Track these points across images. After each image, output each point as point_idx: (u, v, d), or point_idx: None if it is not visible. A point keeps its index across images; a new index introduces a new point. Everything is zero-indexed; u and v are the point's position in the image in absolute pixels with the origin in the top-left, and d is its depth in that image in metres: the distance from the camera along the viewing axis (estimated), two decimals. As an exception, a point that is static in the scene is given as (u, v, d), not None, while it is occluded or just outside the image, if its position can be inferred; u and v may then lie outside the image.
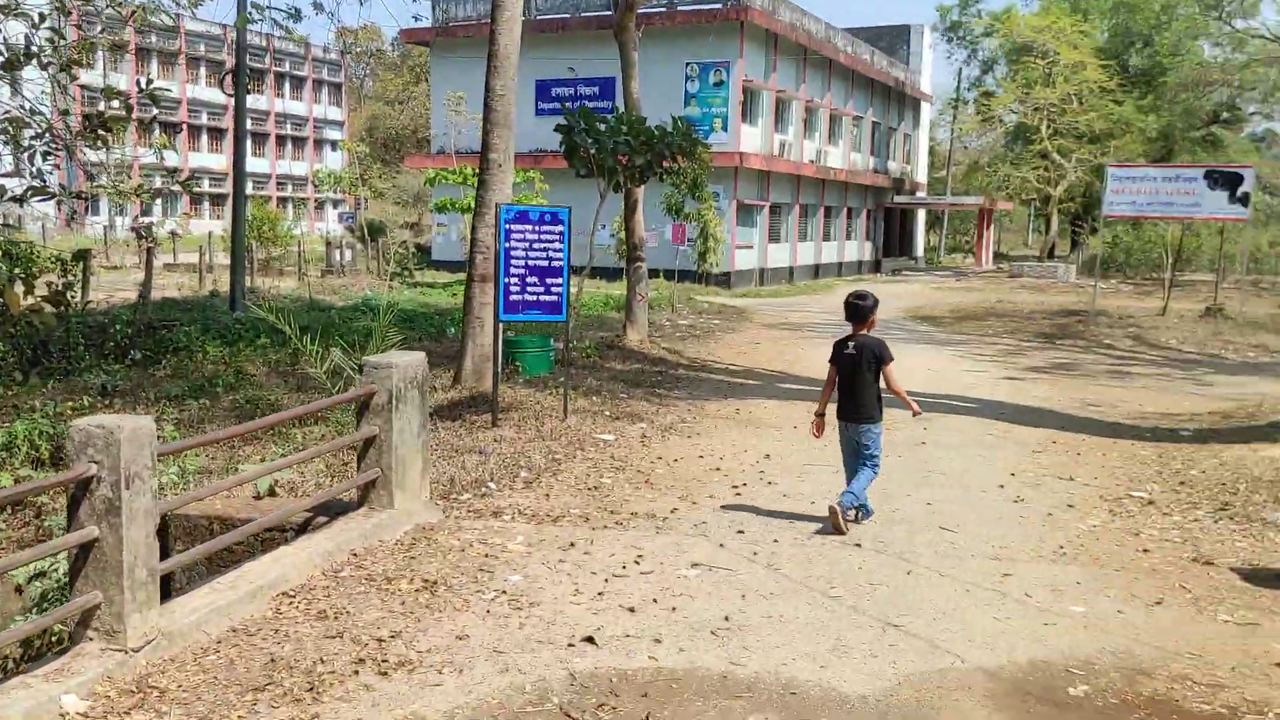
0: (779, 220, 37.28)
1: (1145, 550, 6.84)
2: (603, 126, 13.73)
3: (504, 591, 5.79)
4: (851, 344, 7.22)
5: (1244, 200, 21.85)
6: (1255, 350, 19.74)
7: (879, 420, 7.27)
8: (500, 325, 11.03)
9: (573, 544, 6.70)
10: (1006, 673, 4.83)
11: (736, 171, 32.85)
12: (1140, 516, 7.76)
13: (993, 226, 53.80)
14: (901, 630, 5.32)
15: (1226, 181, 22.02)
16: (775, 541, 6.86)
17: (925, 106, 52.72)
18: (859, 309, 7.24)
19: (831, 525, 6.96)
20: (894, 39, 50.38)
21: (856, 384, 7.18)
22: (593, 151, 13.49)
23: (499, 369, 11.04)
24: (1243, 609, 5.72)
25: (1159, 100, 41.69)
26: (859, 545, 6.81)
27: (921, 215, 53.42)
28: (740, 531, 7.08)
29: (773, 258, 36.50)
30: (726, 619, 5.44)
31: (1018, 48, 43.72)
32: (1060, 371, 16.67)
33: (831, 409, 7.51)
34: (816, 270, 40.17)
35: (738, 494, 8.18)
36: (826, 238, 41.60)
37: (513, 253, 10.29)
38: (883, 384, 7.24)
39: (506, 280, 10.29)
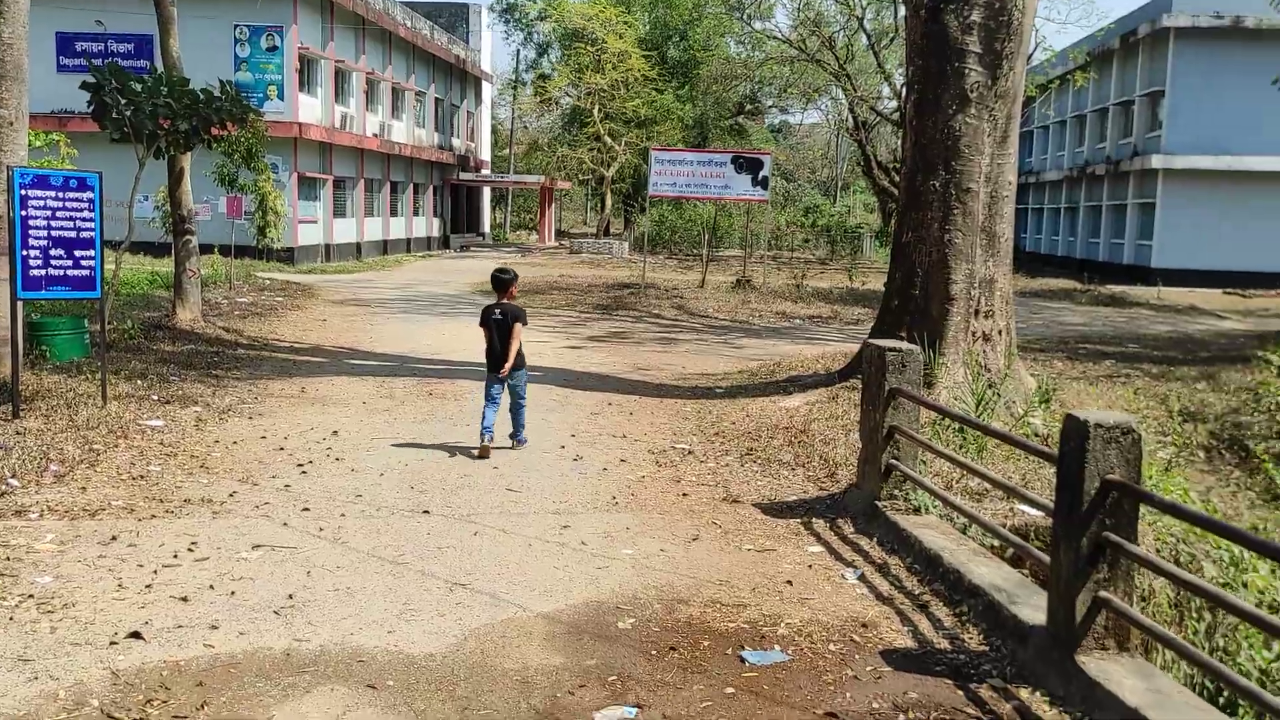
0: (344, 195, 36.29)
1: (685, 495, 7.60)
2: (139, 87, 12.55)
3: (30, 595, 5.20)
4: (498, 310, 8.71)
5: (764, 183, 24.67)
6: (776, 316, 22.41)
7: (524, 367, 8.88)
8: (20, 304, 9.77)
9: (114, 537, 6.17)
10: (564, 616, 5.18)
11: (296, 143, 31.48)
12: (682, 465, 8.59)
13: (554, 205, 56.25)
14: (468, 588, 5.50)
15: (750, 166, 24.70)
16: (342, 516, 6.77)
17: (486, 86, 53.76)
18: (503, 281, 8.86)
19: (478, 453, 8.52)
20: (454, 17, 50.78)
21: (507, 341, 8.64)
22: (128, 114, 12.29)
23: (19, 354, 9.78)
24: (762, 538, 6.56)
25: (694, 91, 45.88)
26: (427, 513, 6.92)
27: (487, 193, 54.55)
28: (306, 509, 6.90)
29: (339, 233, 35.49)
30: (290, 597, 5.30)
31: (570, 33, 45.93)
32: (616, 340, 17.87)
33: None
34: (385, 246, 39.65)
35: (303, 472, 7.95)
36: (394, 213, 41.18)
37: (32, 222, 9.15)
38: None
39: (25, 253, 9.13)
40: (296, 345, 15.38)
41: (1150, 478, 8.31)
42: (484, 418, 8.61)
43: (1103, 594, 4.33)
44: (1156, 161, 33.65)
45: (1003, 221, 11.32)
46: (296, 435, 9.25)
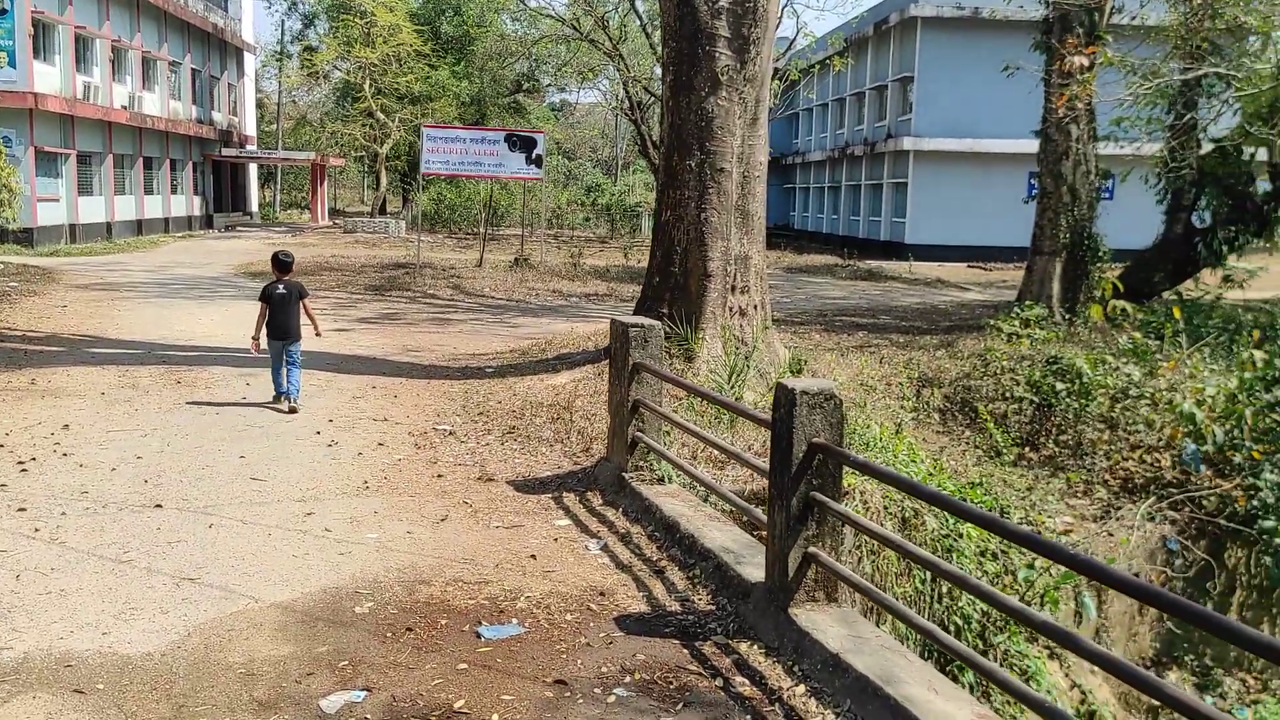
0: (90, 171, 33.70)
1: (440, 476, 7.57)
2: None
3: None
4: (282, 286, 9.81)
5: (538, 162, 24.67)
6: (552, 294, 22.54)
7: (301, 338, 9.98)
8: None
9: None
10: (300, 604, 5.07)
11: (32, 114, 28.97)
12: (442, 447, 8.54)
13: (327, 183, 54.25)
14: (197, 583, 5.29)
15: (524, 144, 24.65)
16: (63, 514, 6.35)
17: (249, 57, 51.08)
18: (285, 262, 9.98)
19: (289, 409, 9.66)
20: (212, -18, 47.87)
21: (289, 313, 9.79)
22: None
23: None
24: (512, 515, 6.63)
25: (470, 67, 45.24)
26: (160, 506, 6.59)
27: (254, 170, 51.95)
28: (21, 509, 6.43)
29: (85, 212, 32.95)
30: (-5, 604, 4.95)
31: (338, 5, 44.28)
32: (387, 321, 17.50)
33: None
34: (140, 226, 37.13)
35: (23, 470, 7.39)
36: (149, 191, 38.60)
37: None
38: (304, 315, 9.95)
39: None
40: (30, 334, 14.23)
41: (880, 439, 8.93)
42: (277, 381, 9.90)
43: (812, 549, 4.63)
44: (908, 143, 35.89)
45: (756, 200, 11.79)
46: (20, 431, 8.58)
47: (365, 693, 4.16)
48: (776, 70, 32.44)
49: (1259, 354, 11.94)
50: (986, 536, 9.00)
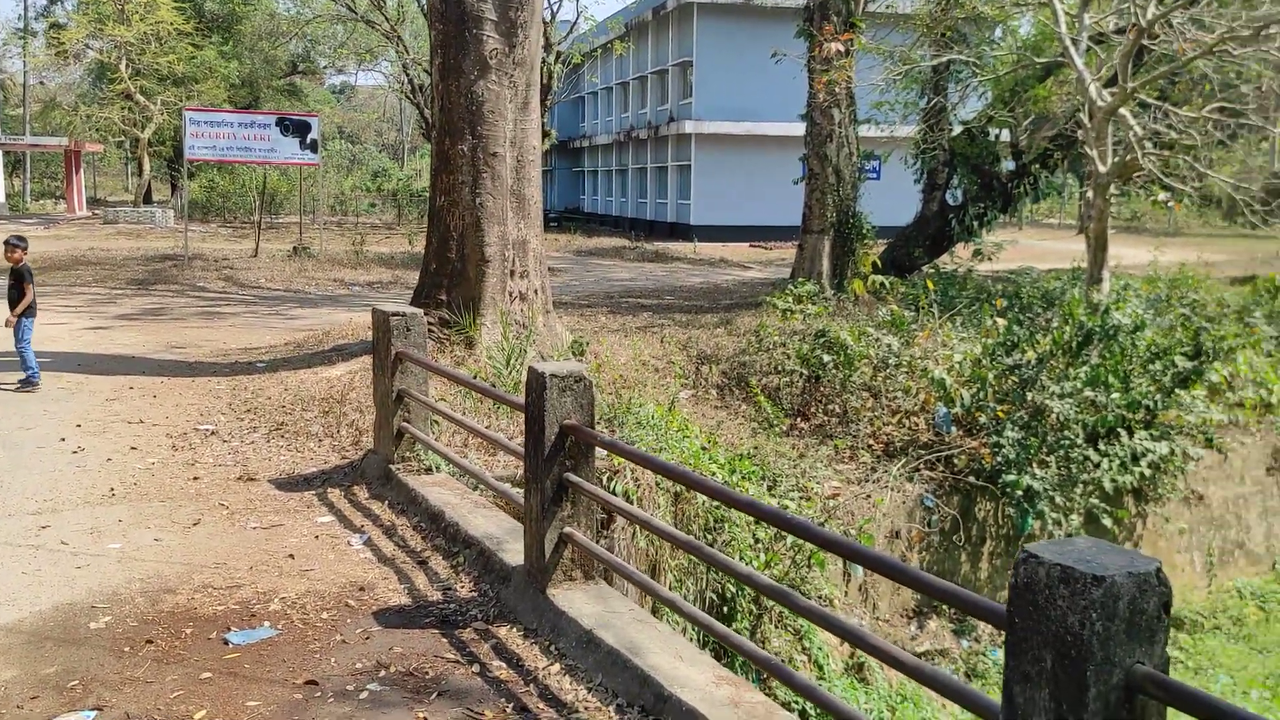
0: None
1: (196, 478, 7.21)
2: None
3: None
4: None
5: (314, 146, 23.78)
6: (334, 284, 21.82)
7: (34, 315, 10.50)
8: None
9: None
10: (27, 624, 4.73)
11: None
12: (202, 448, 8.13)
13: (84, 170, 50.45)
14: (-93, 611, 4.85)
15: (298, 129, 23.69)
16: None
17: (-11, 33, 46.85)
18: (16, 246, 10.26)
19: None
20: (-60, -49, 43.54)
21: (11, 296, 10.32)
22: None
23: None
24: (271, 514, 6.39)
25: (239, 47, 43.00)
26: None
27: (0, 157, 47.73)
28: None
29: None
30: None
31: (88, -22, 41.15)
32: (150, 317, 16.49)
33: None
34: None
35: None
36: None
37: None
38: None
39: None
40: None
41: (652, 418, 9.13)
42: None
43: (567, 529, 4.70)
44: (689, 127, 36.72)
45: (531, 185, 11.78)
46: None
47: (95, 713, 3.92)
48: (559, 54, 32.52)
49: (1001, 321, 12.94)
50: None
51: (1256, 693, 9.81)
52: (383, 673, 4.27)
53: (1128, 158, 13.27)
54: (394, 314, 6.69)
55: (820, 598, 9.64)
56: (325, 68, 48.85)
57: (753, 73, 35.75)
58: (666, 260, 29.69)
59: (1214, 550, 12.33)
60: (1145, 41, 13.26)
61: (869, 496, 10.27)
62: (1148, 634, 2.27)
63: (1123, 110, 13.26)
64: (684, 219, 37.90)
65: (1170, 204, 17.64)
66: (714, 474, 8.81)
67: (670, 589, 8.10)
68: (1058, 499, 10.88)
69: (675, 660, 3.95)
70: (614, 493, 7.08)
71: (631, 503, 7.23)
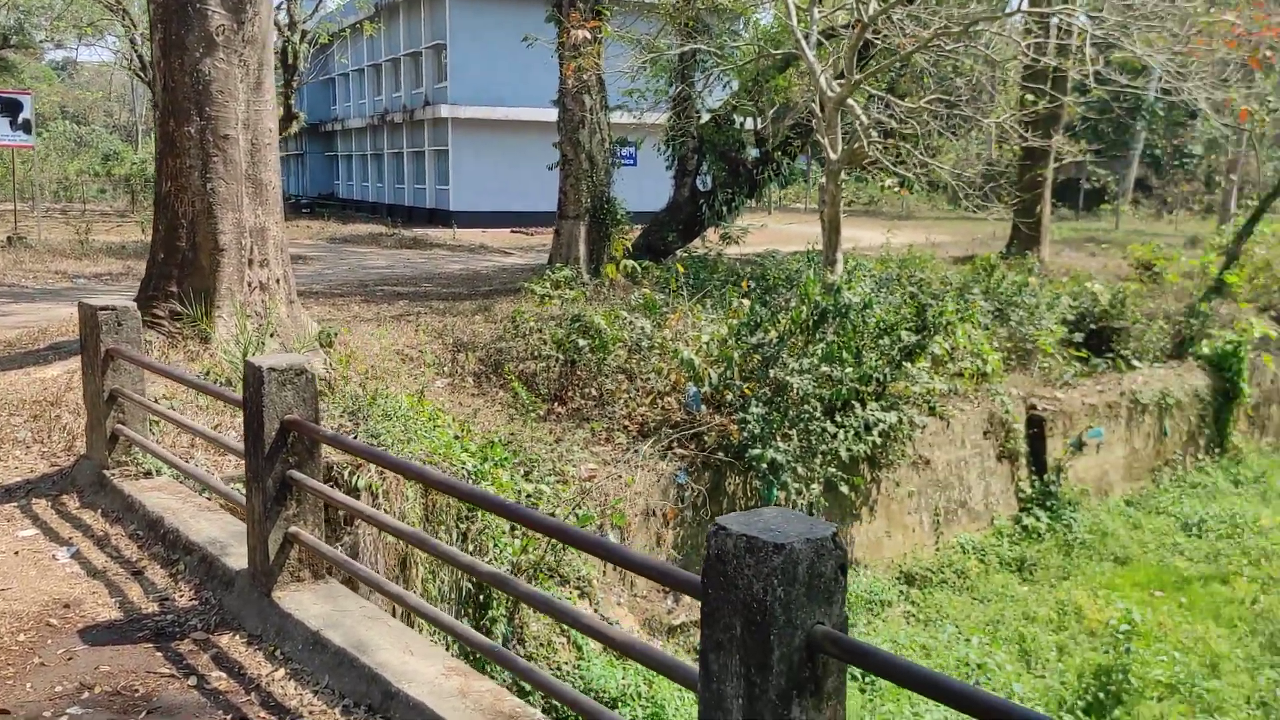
0: None
1: (-127, 497, 6.43)
2: None
3: None
4: None
5: (26, 127, 21.75)
6: (55, 276, 20.05)
7: None
8: None
9: None
10: None
11: None
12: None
13: None
14: None
15: (7, 108, 21.61)
16: None
17: None
18: None
19: None
20: None
21: None
22: None
23: None
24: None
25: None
26: None
27: None
28: None
29: None
30: None
31: None
32: None
33: None
34: None
35: None
36: None
37: None
38: None
39: None
40: None
41: (401, 409, 8.93)
42: None
43: (293, 529, 4.50)
44: (445, 111, 36.09)
45: (268, 169, 11.21)
46: None
47: None
48: (305, 33, 31.14)
49: (745, 302, 13.47)
50: (511, 486, 9.39)
51: (977, 639, 10.71)
52: (86, 694, 3.95)
53: (855, 146, 14.11)
54: (102, 308, 6.19)
55: (579, 578, 9.76)
56: (42, 41, 44.74)
57: (508, 57, 35.51)
58: (425, 247, 29.13)
59: (940, 510, 13.35)
60: (869, 36, 14.11)
61: (620, 477, 10.45)
62: (826, 596, 2.40)
63: (851, 100, 14.07)
64: (443, 205, 37.28)
65: (898, 190, 18.91)
66: (464, 463, 8.71)
67: (423, 580, 7.97)
68: (800, 470, 11.46)
69: (405, 655, 3.87)
70: (356, 487, 6.87)
71: (376, 496, 7.03)
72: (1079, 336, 16.40)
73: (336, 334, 11.90)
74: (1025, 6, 17.23)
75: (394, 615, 4.76)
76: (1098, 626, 11.09)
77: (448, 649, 5.28)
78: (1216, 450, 17.10)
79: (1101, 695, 9.91)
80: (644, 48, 16.27)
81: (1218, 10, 14.94)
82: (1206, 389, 17.00)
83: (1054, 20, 16.53)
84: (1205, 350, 17.33)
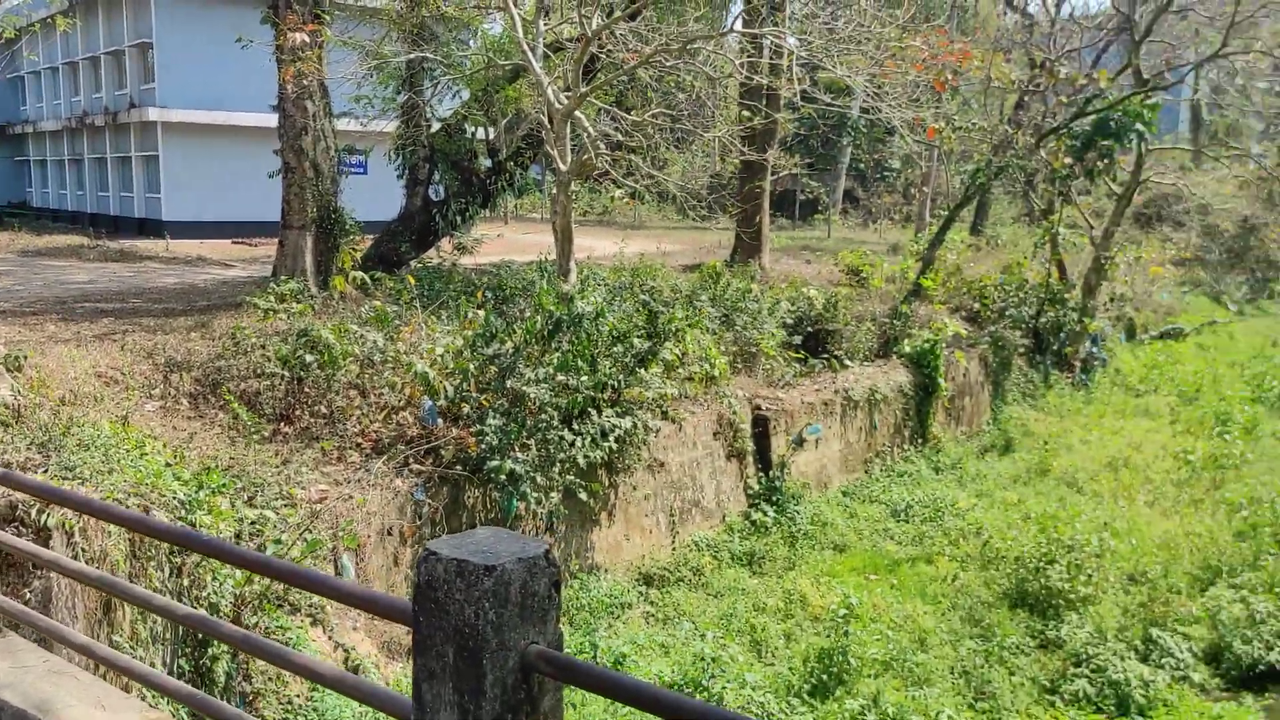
0: None
1: None
2: None
3: None
4: None
5: None
6: None
7: None
8: None
9: None
10: None
11: None
12: None
13: None
14: None
15: None
16: None
17: None
18: None
19: None
20: None
21: None
22: None
23: None
24: None
25: None
26: None
27: None
28: None
29: None
30: None
31: None
32: None
33: None
34: None
35: None
36: None
37: None
38: None
39: None
40: None
41: (101, 437, 8.23)
42: None
43: (-38, 581, 4.02)
44: (154, 114, 33.67)
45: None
46: None
47: None
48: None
49: (480, 313, 13.38)
50: (232, 514, 8.85)
51: (712, 633, 11.12)
52: None
53: (584, 157, 14.34)
54: None
55: (311, 605, 9.35)
56: None
57: (224, 59, 33.49)
58: (135, 259, 27.03)
59: (676, 510, 13.79)
60: (594, 50, 14.40)
61: (353, 497, 10.11)
62: (540, 615, 2.38)
63: (579, 113, 14.29)
64: (155, 214, 34.74)
65: (628, 200, 19.41)
66: (176, 492, 8.12)
67: (133, 622, 7.34)
68: (539, 479, 11.50)
69: (95, 710, 3.53)
70: (47, 525, 6.24)
71: (72, 534, 6.41)
72: (798, 339, 17.43)
73: (27, 356, 10.83)
74: (739, 27, 18.15)
75: (93, 668, 4.35)
76: (820, 612, 11.80)
77: (144, 698, 4.88)
78: (919, 440, 18.65)
79: (825, 677, 10.55)
80: (368, 54, 15.83)
81: (907, 36, 16.32)
82: (909, 384, 18.51)
83: (766, 41, 17.50)
84: (907, 349, 18.86)
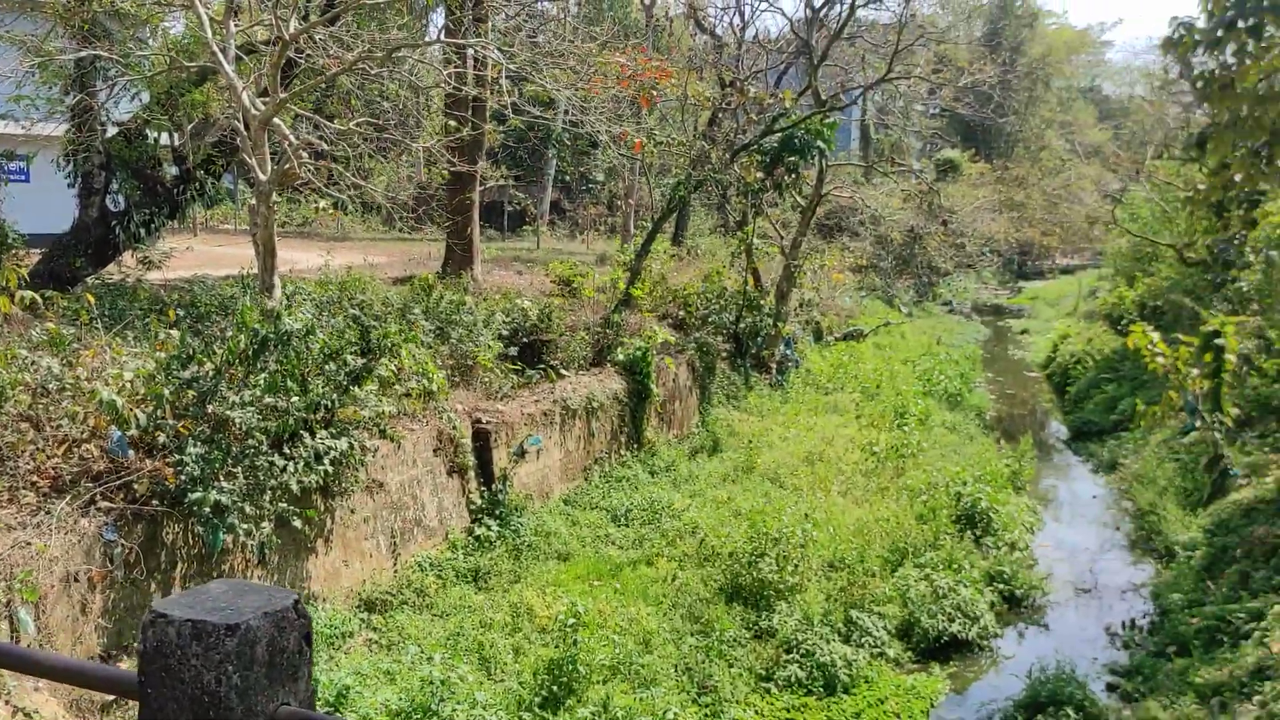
0: None
1: None
2: None
3: None
4: None
5: None
6: None
7: None
8: None
9: None
10: None
11: None
12: None
13: None
14: None
15: None
16: None
17: None
18: None
19: None
20: None
21: None
22: None
23: None
24: None
25: None
26: None
27: None
28: None
29: None
30: None
31: None
32: None
33: None
34: None
35: None
36: None
37: None
38: None
39: None
40: None
41: None
42: None
43: None
44: None
45: None
46: None
47: None
48: None
49: (175, 333, 12.38)
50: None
51: (439, 655, 10.87)
52: None
53: (285, 166, 13.64)
54: None
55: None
56: None
57: None
58: None
59: (397, 531, 13.38)
60: (292, 55, 13.73)
61: (30, 544, 9.08)
62: (291, 672, 2.21)
63: (277, 120, 13.57)
64: None
65: (332, 211, 18.66)
66: None
67: None
68: (248, 509, 10.81)
69: None
70: None
71: None
72: (514, 350, 17.43)
73: None
74: (443, 37, 17.94)
75: None
76: (548, 623, 11.84)
77: None
78: (635, 445, 19.18)
79: (555, 688, 10.59)
80: (30, 51, 14.26)
81: (607, 53, 16.77)
82: (624, 391, 19.00)
83: (470, 53, 17.40)
84: (620, 357, 19.35)
